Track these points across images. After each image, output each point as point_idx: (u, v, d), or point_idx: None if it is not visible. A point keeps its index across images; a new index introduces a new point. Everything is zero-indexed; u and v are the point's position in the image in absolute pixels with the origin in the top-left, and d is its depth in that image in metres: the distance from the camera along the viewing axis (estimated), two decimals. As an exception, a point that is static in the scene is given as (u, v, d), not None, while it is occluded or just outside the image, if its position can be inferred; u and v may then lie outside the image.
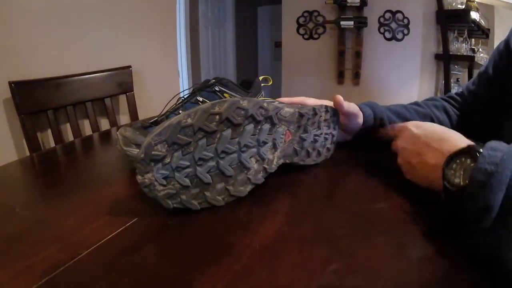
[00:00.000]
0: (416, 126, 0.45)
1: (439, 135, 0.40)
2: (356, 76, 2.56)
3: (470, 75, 2.53)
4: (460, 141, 0.37)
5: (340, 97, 0.52)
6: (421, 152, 0.40)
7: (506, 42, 0.57)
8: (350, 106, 0.54)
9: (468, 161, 0.32)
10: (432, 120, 0.61)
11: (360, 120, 0.55)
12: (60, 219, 0.37)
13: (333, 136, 0.52)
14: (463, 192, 0.30)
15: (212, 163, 0.36)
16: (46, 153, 0.69)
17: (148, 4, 1.47)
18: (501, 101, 0.56)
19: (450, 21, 2.40)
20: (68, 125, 1.09)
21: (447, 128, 0.42)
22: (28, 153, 0.99)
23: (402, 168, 0.45)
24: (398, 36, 2.41)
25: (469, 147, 0.33)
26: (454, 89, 2.46)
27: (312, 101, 0.55)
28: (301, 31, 2.71)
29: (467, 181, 0.30)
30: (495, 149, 0.30)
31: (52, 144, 1.06)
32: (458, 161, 0.33)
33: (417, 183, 0.42)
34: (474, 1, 2.49)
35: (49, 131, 1.04)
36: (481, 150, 0.31)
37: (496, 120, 0.58)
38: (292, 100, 0.56)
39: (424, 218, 0.36)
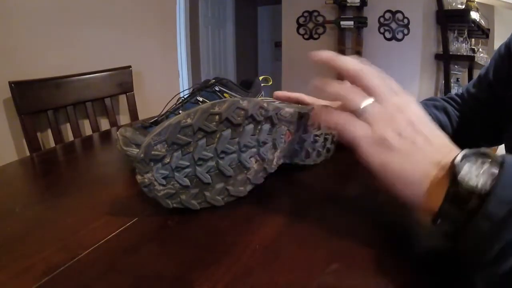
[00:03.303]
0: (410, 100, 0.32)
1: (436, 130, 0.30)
2: (356, 76, 2.55)
3: (470, 75, 2.54)
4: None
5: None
6: (429, 136, 0.28)
7: (507, 45, 0.57)
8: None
9: (487, 165, 0.24)
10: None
11: None
12: (60, 219, 0.37)
13: (333, 136, 0.52)
14: (480, 204, 0.23)
15: (211, 163, 0.36)
16: (46, 153, 0.69)
17: (148, 4, 1.47)
18: (502, 106, 0.56)
19: (450, 21, 2.40)
20: (68, 125, 1.09)
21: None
22: (28, 153, 0.99)
23: (369, 146, 0.29)
24: (398, 36, 2.41)
25: (482, 149, 0.25)
26: (454, 89, 2.47)
27: (310, 99, 0.55)
28: (301, 31, 2.71)
29: (488, 183, 0.23)
30: None
31: (52, 144, 1.06)
32: (472, 161, 0.25)
33: (387, 179, 0.29)
34: (474, 1, 2.49)
35: (49, 131, 1.04)
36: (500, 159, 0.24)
37: (497, 123, 0.57)
38: (290, 95, 0.55)
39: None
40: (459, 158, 0.25)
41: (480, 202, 0.23)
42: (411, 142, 0.28)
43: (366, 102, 0.30)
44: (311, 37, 2.70)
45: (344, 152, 0.56)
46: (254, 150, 0.39)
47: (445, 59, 2.47)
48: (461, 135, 0.62)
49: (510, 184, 0.22)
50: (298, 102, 0.55)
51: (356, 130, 0.30)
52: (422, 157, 0.27)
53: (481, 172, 0.24)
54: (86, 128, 1.17)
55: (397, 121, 0.29)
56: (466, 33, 2.53)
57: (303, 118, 0.45)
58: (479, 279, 0.23)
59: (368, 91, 0.31)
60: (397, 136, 0.28)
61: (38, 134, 1.00)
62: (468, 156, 0.25)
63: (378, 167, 0.29)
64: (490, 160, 0.24)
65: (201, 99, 0.55)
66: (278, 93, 0.55)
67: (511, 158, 0.24)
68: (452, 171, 0.25)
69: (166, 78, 1.63)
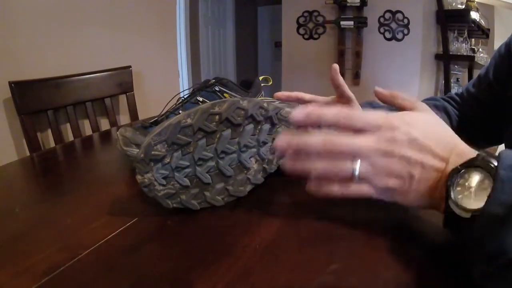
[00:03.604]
0: (408, 123, 0.30)
1: (438, 135, 0.30)
2: (356, 76, 2.56)
3: (470, 75, 2.54)
4: (465, 149, 0.29)
5: (336, 66, 0.49)
6: (423, 161, 0.29)
7: (507, 45, 0.57)
8: (346, 86, 0.51)
9: (480, 176, 0.25)
10: None
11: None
12: (60, 219, 0.37)
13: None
14: (474, 218, 0.24)
15: (211, 163, 0.36)
16: (46, 153, 0.69)
17: (148, 4, 1.47)
18: (502, 106, 0.56)
19: (450, 21, 2.40)
20: (68, 125, 1.09)
21: (444, 126, 0.32)
22: (28, 153, 0.99)
23: (379, 196, 0.31)
24: (398, 36, 2.41)
25: (480, 157, 0.26)
26: (454, 89, 2.47)
27: (309, 97, 0.55)
28: (301, 31, 2.71)
29: (480, 205, 0.24)
30: None
31: (52, 144, 1.06)
32: (466, 175, 0.26)
33: (409, 204, 0.31)
34: (474, 1, 2.49)
35: (49, 131, 1.04)
36: (495, 163, 0.24)
37: (497, 123, 0.57)
38: (290, 95, 0.56)
39: (424, 217, 0.35)
40: (451, 177, 0.26)
41: (472, 220, 0.24)
42: (410, 177, 0.29)
43: (357, 165, 0.30)
44: (311, 37, 2.70)
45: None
46: (254, 150, 0.39)
47: (445, 59, 2.47)
48: (461, 135, 0.62)
49: (501, 199, 0.23)
50: (298, 100, 0.55)
51: (362, 192, 0.31)
52: (424, 182, 0.29)
53: (474, 188, 0.25)
54: (86, 128, 1.17)
55: (392, 165, 0.29)
56: (466, 33, 2.53)
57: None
58: (474, 272, 0.25)
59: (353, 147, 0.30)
60: (398, 180, 0.30)
61: (38, 134, 1.00)
62: (460, 172, 0.26)
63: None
64: (484, 171, 0.25)
65: (201, 99, 0.55)
66: (278, 94, 0.55)
67: (507, 163, 0.24)
68: (446, 194, 0.26)
69: (166, 78, 1.63)
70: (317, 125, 0.32)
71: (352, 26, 2.45)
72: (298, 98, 0.56)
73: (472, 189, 0.25)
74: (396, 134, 0.29)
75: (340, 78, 0.51)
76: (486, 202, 0.23)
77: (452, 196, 0.26)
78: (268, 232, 0.33)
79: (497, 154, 0.26)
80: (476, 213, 0.24)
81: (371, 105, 0.57)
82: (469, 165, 0.26)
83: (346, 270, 0.28)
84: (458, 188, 0.26)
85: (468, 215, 0.25)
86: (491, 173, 0.24)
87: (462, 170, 0.26)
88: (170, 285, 0.26)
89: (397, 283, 0.26)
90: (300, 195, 0.42)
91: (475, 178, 0.25)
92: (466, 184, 0.26)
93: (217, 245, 0.31)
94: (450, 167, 0.27)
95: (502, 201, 0.23)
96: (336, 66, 0.50)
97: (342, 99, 0.53)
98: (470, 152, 0.28)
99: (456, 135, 0.31)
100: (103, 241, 0.32)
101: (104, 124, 1.23)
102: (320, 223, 0.35)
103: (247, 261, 0.29)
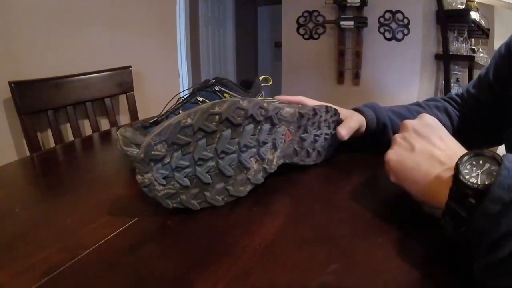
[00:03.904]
0: (433, 119, 0.40)
1: (452, 139, 0.36)
2: (356, 76, 2.56)
3: (470, 75, 2.54)
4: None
5: (338, 130, 0.50)
6: (432, 141, 0.35)
7: (507, 45, 0.56)
8: (351, 128, 0.51)
9: (487, 164, 0.27)
10: None
11: (363, 128, 0.54)
12: (60, 219, 0.37)
13: (333, 136, 0.52)
14: (481, 197, 0.25)
15: (211, 163, 0.36)
16: (46, 153, 0.69)
17: (148, 4, 1.47)
18: (502, 106, 0.56)
19: (450, 21, 2.40)
20: (68, 125, 1.09)
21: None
22: (28, 153, 0.99)
23: (388, 156, 0.37)
24: (398, 36, 2.41)
25: (488, 151, 0.28)
26: (454, 89, 2.47)
27: (311, 102, 0.55)
28: (301, 31, 2.71)
29: (487, 182, 0.25)
30: None
31: (52, 144, 1.06)
32: (474, 162, 0.28)
33: (403, 179, 0.35)
34: (474, 1, 2.49)
35: (49, 131, 1.04)
36: (501, 156, 0.27)
37: (497, 124, 0.57)
38: (291, 99, 0.56)
39: (424, 217, 0.36)
40: (461, 160, 0.28)
41: (478, 200, 0.25)
42: (428, 142, 0.35)
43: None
44: (311, 37, 2.70)
45: (344, 152, 0.56)
46: (254, 150, 0.39)
47: (445, 59, 2.47)
48: (461, 135, 0.62)
49: (506, 184, 0.24)
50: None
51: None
52: (427, 154, 0.34)
53: (481, 171, 0.27)
54: (86, 128, 1.17)
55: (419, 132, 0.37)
56: (466, 33, 2.53)
57: (303, 118, 0.45)
58: (475, 268, 0.25)
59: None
60: (419, 139, 0.36)
61: (38, 134, 1.00)
62: (470, 157, 0.28)
63: (395, 164, 0.36)
64: (491, 159, 0.27)
65: (201, 99, 0.55)
66: (279, 97, 0.56)
67: (510, 164, 0.26)
68: (455, 171, 0.28)
69: (166, 78, 1.63)
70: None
71: (352, 26, 2.45)
72: (299, 103, 0.56)
73: (479, 172, 0.27)
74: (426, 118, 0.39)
75: (346, 133, 0.51)
76: (492, 184, 0.25)
77: (462, 173, 0.27)
78: (268, 232, 0.33)
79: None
80: (483, 187, 0.25)
81: (373, 109, 0.56)
82: (480, 154, 0.28)
83: (346, 270, 0.28)
84: (466, 170, 0.28)
85: (474, 188, 0.26)
86: (498, 162, 0.26)
87: (473, 156, 0.28)
88: (170, 285, 0.26)
89: (397, 283, 0.26)
90: (300, 195, 0.42)
91: (483, 164, 0.27)
92: (474, 168, 0.27)
93: (217, 245, 0.31)
94: (457, 155, 0.29)
95: (507, 185, 0.24)
96: (338, 131, 0.51)
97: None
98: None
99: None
100: (103, 241, 0.32)
101: (104, 124, 1.23)
102: (320, 223, 0.35)
103: (247, 261, 0.29)
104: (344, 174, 0.50)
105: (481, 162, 0.27)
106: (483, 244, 0.24)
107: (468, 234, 0.26)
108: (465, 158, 0.28)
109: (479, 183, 0.26)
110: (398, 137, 0.38)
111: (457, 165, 0.28)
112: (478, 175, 0.27)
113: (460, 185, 0.27)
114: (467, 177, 0.27)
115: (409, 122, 0.39)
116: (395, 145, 0.37)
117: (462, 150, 0.33)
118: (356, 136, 0.56)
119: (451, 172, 0.29)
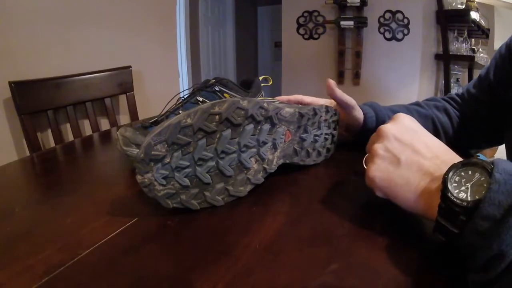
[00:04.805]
0: (411, 119, 0.36)
1: (436, 141, 0.34)
2: (356, 76, 2.56)
3: (470, 75, 2.54)
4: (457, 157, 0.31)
5: (332, 81, 0.49)
6: (416, 149, 0.32)
7: (508, 45, 0.56)
8: (344, 96, 0.51)
9: (477, 175, 0.25)
10: (434, 122, 0.60)
11: (359, 114, 0.54)
12: (60, 219, 0.37)
13: (333, 136, 0.52)
14: (471, 214, 0.24)
15: (211, 163, 0.36)
16: (46, 153, 0.69)
17: (148, 4, 1.47)
18: (503, 107, 0.56)
19: (450, 21, 2.40)
20: (68, 125, 1.09)
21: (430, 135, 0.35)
22: (28, 153, 0.99)
23: (373, 172, 0.33)
24: (398, 36, 2.41)
25: (476, 159, 0.27)
26: (454, 89, 2.47)
27: (309, 99, 0.55)
28: (301, 31, 2.71)
29: (477, 197, 0.24)
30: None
31: (52, 144, 1.06)
32: (462, 173, 0.26)
33: (393, 197, 0.32)
34: (474, 1, 2.49)
35: (49, 131, 1.05)
36: (491, 165, 0.25)
37: (497, 124, 0.57)
38: (289, 98, 0.56)
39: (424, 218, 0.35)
40: (448, 173, 0.27)
41: (468, 217, 0.24)
42: (413, 151, 0.32)
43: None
44: (311, 37, 2.70)
45: (344, 152, 0.56)
46: (254, 150, 0.39)
47: (445, 59, 2.47)
48: (461, 135, 0.62)
49: (497, 200, 0.23)
50: (298, 103, 0.56)
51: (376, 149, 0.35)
52: (415, 167, 0.31)
53: (471, 184, 0.26)
54: (86, 128, 1.17)
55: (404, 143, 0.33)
56: (466, 33, 2.53)
57: (303, 118, 0.45)
58: (469, 282, 0.25)
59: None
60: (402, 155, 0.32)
61: (38, 134, 1.00)
62: (458, 169, 0.27)
63: (382, 182, 0.33)
64: (481, 170, 0.26)
65: (201, 99, 0.55)
66: (278, 97, 0.56)
67: (502, 167, 0.25)
68: (443, 186, 0.27)
69: (166, 78, 1.63)
70: None
71: (352, 26, 2.45)
72: (298, 101, 0.56)
73: (469, 185, 0.26)
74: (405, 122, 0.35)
75: (338, 92, 0.51)
76: (482, 200, 0.23)
77: (449, 189, 0.26)
78: (268, 232, 0.33)
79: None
80: (470, 205, 0.24)
81: (372, 107, 0.57)
82: (468, 164, 0.27)
83: (346, 270, 0.28)
84: (455, 184, 0.26)
85: (463, 206, 0.25)
86: (488, 172, 0.25)
87: (460, 167, 0.27)
88: (170, 285, 0.26)
89: (397, 283, 0.26)
90: (300, 195, 0.42)
91: (472, 175, 0.26)
92: (463, 181, 0.26)
93: (217, 245, 0.31)
94: (445, 165, 0.28)
95: (498, 201, 0.23)
96: (332, 82, 0.50)
97: (343, 104, 0.53)
98: (457, 158, 0.30)
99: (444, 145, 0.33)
100: (103, 241, 0.32)
101: (104, 124, 1.23)
102: (320, 223, 0.35)
103: (247, 261, 0.29)
104: (344, 174, 0.50)
105: (470, 172, 0.26)
106: (476, 261, 0.24)
107: (462, 249, 0.26)
108: (452, 171, 0.27)
109: (468, 199, 0.25)
110: (378, 148, 0.34)
111: (444, 180, 0.27)
112: (467, 188, 0.25)
113: (448, 203, 0.26)
114: (455, 192, 0.26)
115: (386, 128, 0.35)
116: (377, 158, 0.33)
117: (449, 156, 0.31)
118: (356, 134, 0.56)
119: (439, 186, 0.28)
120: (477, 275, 0.24)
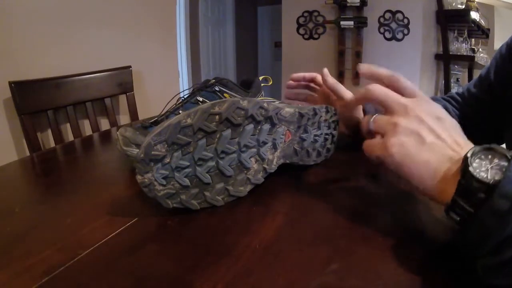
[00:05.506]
0: (436, 105, 0.35)
1: (459, 130, 0.33)
2: (356, 76, 2.56)
3: (470, 75, 2.54)
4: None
5: (325, 70, 0.54)
6: (442, 137, 0.31)
7: (508, 45, 0.56)
8: (337, 84, 0.54)
9: (497, 160, 0.26)
10: None
11: (359, 112, 0.55)
12: (60, 219, 0.37)
13: (333, 136, 0.52)
14: (490, 192, 0.24)
15: (211, 163, 0.36)
16: (46, 153, 0.69)
17: (148, 4, 1.47)
18: (503, 106, 0.56)
19: (450, 21, 2.40)
20: (68, 125, 1.09)
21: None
22: (28, 153, 0.99)
23: (393, 145, 0.31)
24: (398, 36, 2.41)
25: (495, 146, 0.27)
26: (454, 89, 2.47)
27: (321, 78, 0.57)
28: (301, 31, 2.71)
29: (497, 178, 0.24)
30: None
31: (52, 144, 1.06)
32: (483, 156, 0.27)
33: (408, 174, 0.31)
34: (474, 1, 2.49)
35: (49, 131, 1.05)
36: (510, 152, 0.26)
37: (498, 123, 0.57)
38: (305, 75, 0.62)
39: (425, 217, 0.35)
40: (470, 153, 0.27)
41: (487, 195, 0.24)
42: (437, 137, 0.31)
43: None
44: (311, 37, 2.70)
45: (344, 152, 0.56)
46: (254, 150, 0.39)
47: (445, 59, 2.47)
48: None
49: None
50: (312, 81, 0.61)
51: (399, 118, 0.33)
52: (437, 150, 0.30)
53: (491, 166, 0.26)
54: (86, 128, 1.17)
55: (426, 121, 0.32)
56: (466, 33, 2.53)
57: (303, 118, 0.45)
58: (479, 267, 0.25)
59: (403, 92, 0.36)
60: (429, 131, 0.31)
61: (38, 134, 1.00)
62: (479, 151, 0.27)
63: (402, 157, 0.31)
64: (500, 155, 0.26)
65: (201, 99, 0.55)
66: (293, 75, 0.61)
67: None
68: (464, 165, 0.27)
69: (166, 78, 1.64)
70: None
71: (352, 26, 2.45)
72: (312, 79, 0.61)
73: (489, 167, 0.26)
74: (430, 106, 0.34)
75: (330, 80, 0.54)
76: (502, 180, 0.24)
77: (471, 167, 0.26)
78: (268, 232, 0.33)
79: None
80: (494, 182, 0.24)
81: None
82: (488, 148, 0.27)
83: (346, 270, 0.28)
84: (475, 164, 0.26)
85: (485, 182, 0.25)
86: (507, 158, 0.25)
87: (482, 150, 0.27)
88: (170, 285, 0.26)
89: (397, 283, 0.26)
90: (300, 195, 0.42)
91: (492, 159, 0.26)
92: (483, 163, 0.26)
93: (217, 245, 0.31)
94: (465, 150, 0.28)
95: None
96: (325, 70, 0.55)
97: (341, 101, 0.54)
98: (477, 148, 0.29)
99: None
100: (103, 241, 0.32)
101: (104, 124, 1.23)
102: (320, 223, 0.35)
103: (247, 261, 0.29)
104: (344, 174, 0.50)
105: (490, 157, 0.26)
106: (489, 243, 0.24)
107: (473, 232, 0.25)
108: (475, 150, 0.27)
109: (489, 177, 0.25)
110: (402, 122, 0.32)
111: (466, 158, 0.27)
112: (487, 169, 0.25)
113: (469, 178, 0.26)
114: (477, 170, 0.26)
115: (414, 104, 0.33)
116: (402, 134, 0.32)
117: (470, 146, 0.31)
118: (355, 131, 0.57)
119: (459, 167, 0.28)
120: (489, 258, 0.24)
